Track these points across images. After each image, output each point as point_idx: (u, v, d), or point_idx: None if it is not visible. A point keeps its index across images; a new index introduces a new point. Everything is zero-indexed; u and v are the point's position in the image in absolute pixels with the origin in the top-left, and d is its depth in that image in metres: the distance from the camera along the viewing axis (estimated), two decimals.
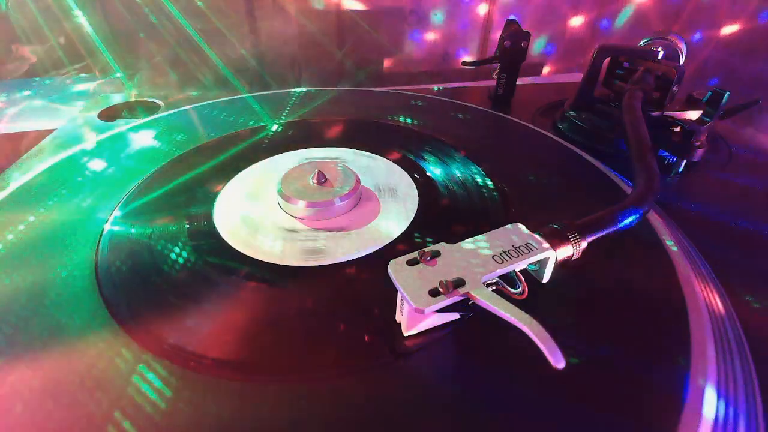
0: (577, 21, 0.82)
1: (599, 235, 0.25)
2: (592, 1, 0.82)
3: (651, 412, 0.20)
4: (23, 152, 0.43)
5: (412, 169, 0.38)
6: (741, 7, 0.65)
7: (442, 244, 0.22)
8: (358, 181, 0.34)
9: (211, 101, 0.55)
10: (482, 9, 0.78)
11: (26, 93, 0.63)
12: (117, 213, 0.33)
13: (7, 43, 0.67)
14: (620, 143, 0.45)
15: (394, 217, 0.32)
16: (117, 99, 0.57)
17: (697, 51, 0.72)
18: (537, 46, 0.83)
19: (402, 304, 0.22)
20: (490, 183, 0.37)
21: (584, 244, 0.24)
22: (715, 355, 0.23)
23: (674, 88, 0.43)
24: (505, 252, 0.22)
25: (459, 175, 0.38)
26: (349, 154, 0.41)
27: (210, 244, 0.30)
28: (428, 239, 0.30)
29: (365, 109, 0.52)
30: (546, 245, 0.22)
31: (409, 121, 0.49)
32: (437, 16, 0.77)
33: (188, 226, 0.31)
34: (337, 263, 0.28)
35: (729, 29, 0.68)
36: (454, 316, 0.23)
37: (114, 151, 0.43)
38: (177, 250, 0.29)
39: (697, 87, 0.47)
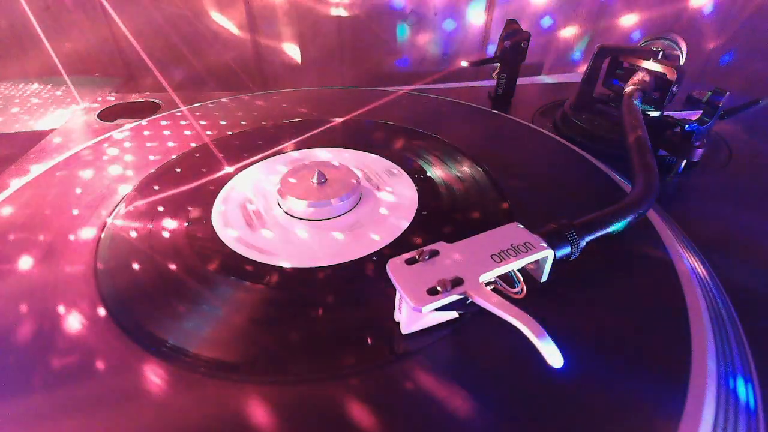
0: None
1: (597, 234, 0.25)
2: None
3: (651, 412, 0.20)
4: (23, 152, 0.44)
5: (412, 169, 0.39)
6: None
7: (441, 243, 0.22)
8: (358, 181, 0.34)
9: (211, 101, 0.55)
10: (482, 9, 0.78)
11: (27, 93, 0.63)
12: (117, 213, 0.33)
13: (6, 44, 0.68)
14: (620, 143, 0.45)
15: (394, 216, 0.32)
16: (117, 99, 0.57)
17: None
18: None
19: (401, 303, 0.22)
20: (489, 183, 0.37)
21: (582, 243, 0.24)
22: (715, 355, 0.23)
23: (674, 88, 0.43)
24: (503, 251, 0.22)
25: (459, 174, 0.38)
26: (349, 154, 0.41)
27: (209, 244, 0.30)
28: (427, 239, 0.30)
29: (365, 109, 0.52)
30: (544, 244, 0.22)
31: (409, 121, 0.49)
32: (437, 16, 0.77)
33: (187, 225, 0.31)
34: (336, 263, 0.28)
35: None
36: (453, 315, 0.23)
37: (114, 150, 0.43)
38: (176, 249, 0.29)
39: (697, 87, 0.47)
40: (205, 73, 0.77)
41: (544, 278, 0.23)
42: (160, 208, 0.33)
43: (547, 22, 0.81)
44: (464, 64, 0.59)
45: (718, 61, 0.78)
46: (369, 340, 0.23)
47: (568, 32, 0.82)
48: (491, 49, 0.81)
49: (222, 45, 0.75)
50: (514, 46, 0.54)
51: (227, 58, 0.76)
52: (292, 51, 0.78)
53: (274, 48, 0.77)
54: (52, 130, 0.49)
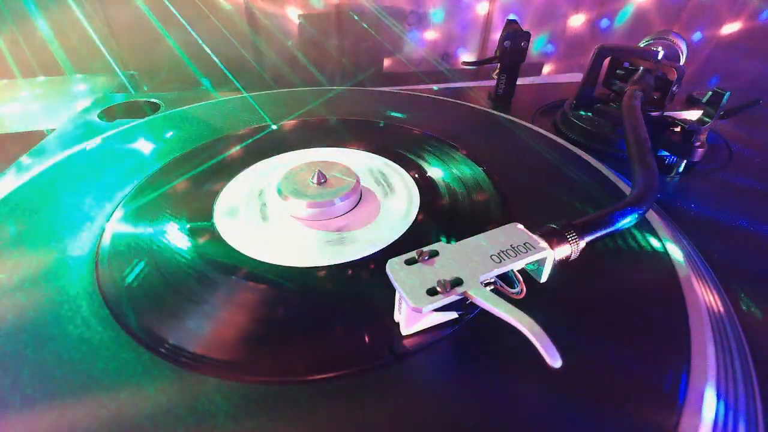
0: (577, 20, 0.82)
1: (598, 235, 0.25)
2: (592, 1, 0.82)
3: (650, 412, 0.20)
4: (23, 152, 0.44)
5: (412, 169, 0.38)
6: (741, 7, 0.66)
7: (441, 243, 0.22)
8: (358, 181, 0.34)
9: (211, 101, 0.55)
10: (482, 9, 0.78)
11: (26, 93, 0.63)
12: (117, 213, 0.33)
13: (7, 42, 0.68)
14: (620, 143, 0.45)
15: (394, 217, 0.32)
16: (117, 99, 0.57)
17: (698, 50, 0.72)
18: (537, 44, 0.83)
19: (400, 304, 0.22)
20: (490, 183, 0.37)
21: (582, 243, 0.24)
22: (715, 355, 0.23)
23: (674, 88, 0.43)
24: (503, 252, 0.22)
25: (459, 175, 0.38)
26: (349, 154, 0.41)
27: (210, 245, 0.30)
28: (427, 239, 0.30)
29: (365, 109, 0.52)
30: (544, 245, 0.22)
31: (408, 121, 0.49)
32: (437, 16, 0.77)
33: (189, 226, 0.31)
34: (336, 264, 0.28)
35: (729, 29, 0.68)
36: (453, 315, 0.23)
37: (114, 151, 0.43)
38: (177, 250, 0.29)
39: (697, 87, 0.47)
40: (205, 73, 0.77)
41: (543, 279, 0.23)
42: (161, 208, 0.33)
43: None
44: (465, 62, 0.59)
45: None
46: (368, 341, 0.23)
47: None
48: (491, 49, 0.81)
49: (222, 44, 0.75)
50: (514, 46, 0.54)
51: (227, 58, 0.76)
52: (293, 51, 0.78)
53: (274, 48, 0.77)
54: (52, 130, 0.49)
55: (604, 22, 0.82)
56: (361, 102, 0.55)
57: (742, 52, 0.68)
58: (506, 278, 0.22)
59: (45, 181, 0.38)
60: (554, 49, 0.85)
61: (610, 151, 0.44)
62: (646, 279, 0.28)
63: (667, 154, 0.42)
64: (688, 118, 0.43)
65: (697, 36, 0.73)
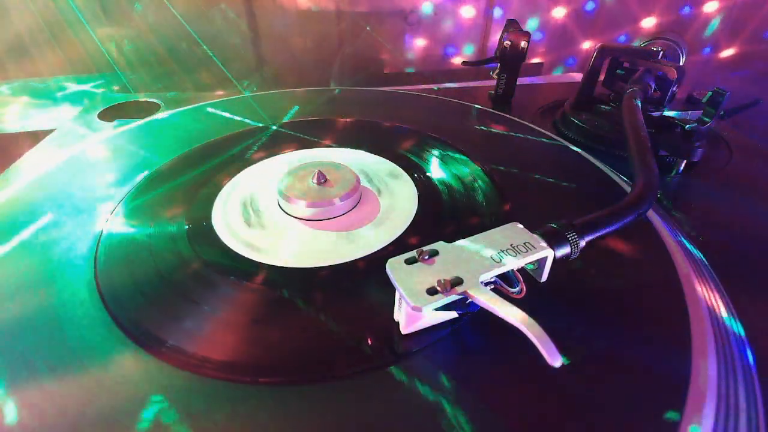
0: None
1: (598, 234, 0.25)
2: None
3: (651, 412, 0.20)
4: (23, 152, 0.44)
5: (412, 168, 0.38)
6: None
7: (441, 242, 0.22)
8: (358, 181, 0.34)
9: (210, 101, 0.55)
10: (482, 9, 0.78)
11: (27, 93, 0.63)
12: (116, 213, 0.33)
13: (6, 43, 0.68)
14: (620, 143, 0.45)
15: (394, 217, 0.32)
16: (117, 99, 0.57)
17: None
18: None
19: (400, 303, 0.22)
20: (489, 183, 0.37)
21: (582, 243, 0.24)
22: (716, 355, 0.23)
23: (674, 88, 0.43)
24: (503, 251, 0.22)
25: (459, 174, 0.38)
26: (349, 154, 0.41)
27: (209, 246, 0.30)
28: (427, 238, 0.30)
29: (365, 109, 0.52)
30: (544, 244, 0.22)
31: (408, 120, 0.49)
32: (437, 16, 0.77)
33: (187, 227, 0.31)
34: (337, 264, 0.28)
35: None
36: (452, 314, 0.23)
37: (113, 151, 0.43)
38: (176, 251, 0.29)
39: (696, 87, 0.47)
40: (205, 73, 0.77)
41: (543, 278, 0.23)
42: (160, 208, 0.33)
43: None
44: (465, 62, 0.59)
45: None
46: (369, 340, 0.23)
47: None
48: (491, 49, 0.81)
49: (222, 45, 0.75)
50: (514, 46, 0.54)
51: (227, 58, 0.76)
52: (292, 51, 0.78)
53: (274, 48, 0.77)
54: (52, 130, 0.49)
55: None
56: (361, 102, 0.55)
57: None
58: (506, 278, 0.22)
59: (45, 181, 0.38)
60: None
61: (610, 151, 0.44)
62: (646, 278, 0.28)
63: (667, 154, 0.42)
64: (688, 118, 0.43)
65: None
